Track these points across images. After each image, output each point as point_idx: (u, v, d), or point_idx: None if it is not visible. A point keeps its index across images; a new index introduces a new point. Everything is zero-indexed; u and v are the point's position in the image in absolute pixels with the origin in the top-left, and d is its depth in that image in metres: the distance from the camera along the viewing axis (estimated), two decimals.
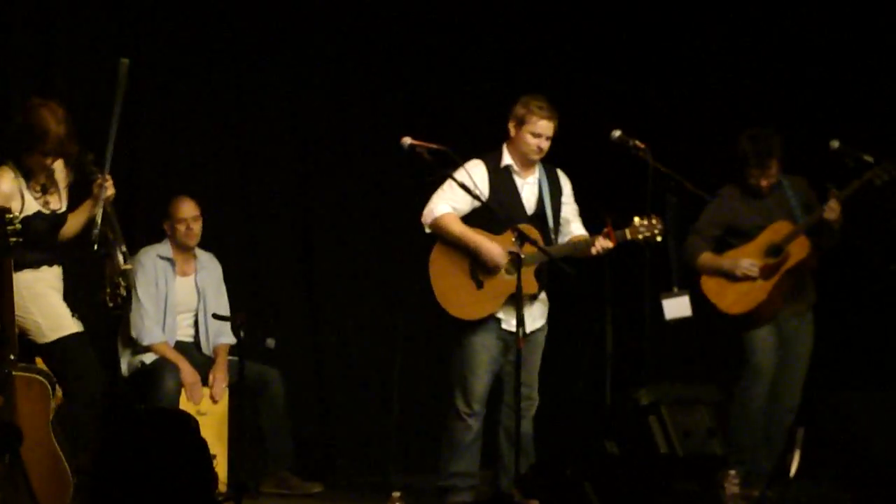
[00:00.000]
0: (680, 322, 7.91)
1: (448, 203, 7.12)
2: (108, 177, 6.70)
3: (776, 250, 7.91)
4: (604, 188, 7.91)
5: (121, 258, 6.67)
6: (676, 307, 7.77)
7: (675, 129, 9.11)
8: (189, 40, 8.69)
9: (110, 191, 6.72)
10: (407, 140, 6.78)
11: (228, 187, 8.78)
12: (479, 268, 7.12)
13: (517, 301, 6.71)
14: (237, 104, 8.92)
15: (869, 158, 7.78)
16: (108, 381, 7.59)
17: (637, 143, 7.41)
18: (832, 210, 7.81)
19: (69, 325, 6.67)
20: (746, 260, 7.91)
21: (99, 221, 6.64)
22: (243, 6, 8.88)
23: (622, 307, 8.47)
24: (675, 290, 7.79)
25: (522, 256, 6.81)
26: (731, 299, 7.92)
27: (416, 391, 9.07)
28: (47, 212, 6.61)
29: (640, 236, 7.24)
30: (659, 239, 7.30)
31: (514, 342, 6.93)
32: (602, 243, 7.17)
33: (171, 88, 8.64)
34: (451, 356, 7.28)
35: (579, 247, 7.22)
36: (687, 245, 7.86)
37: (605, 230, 7.17)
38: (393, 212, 9.15)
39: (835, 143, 7.90)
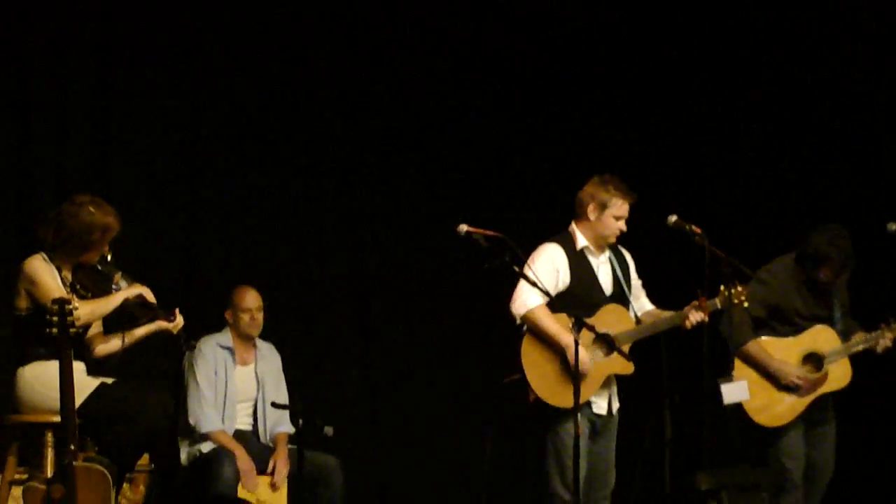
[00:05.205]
0: (738, 406, 7.85)
1: (537, 293, 6.98)
2: None
3: (817, 363, 7.80)
4: (655, 270, 7.91)
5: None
6: (734, 392, 7.71)
7: (730, 213, 9.13)
8: (242, 128, 8.79)
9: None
10: (463, 227, 6.77)
11: (286, 276, 8.83)
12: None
13: (574, 389, 6.68)
14: (293, 191, 8.99)
15: None
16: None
17: (694, 227, 7.39)
18: (885, 345, 7.75)
19: (90, 383, 6.69)
20: (795, 371, 7.80)
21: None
22: (295, 91, 8.98)
23: (680, 392, 8.44)
24: (733, 374, 7.74)
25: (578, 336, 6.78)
26: (759, 403, 7.81)
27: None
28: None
29: (729, 304, 7.27)
30: (746, 305, 7.34)
31: (601, 425, 7.25)
32: (695, 316, 7.18)
33: (228, 176, 8.73)
34: (544, 443, 7.23)
35: (668, 323, 7.24)
36: (736, 324, 7.68)
37: (696, 303, 7.19)
38: (450, 298, 9.18)
39: (893, 226, 7.86)
